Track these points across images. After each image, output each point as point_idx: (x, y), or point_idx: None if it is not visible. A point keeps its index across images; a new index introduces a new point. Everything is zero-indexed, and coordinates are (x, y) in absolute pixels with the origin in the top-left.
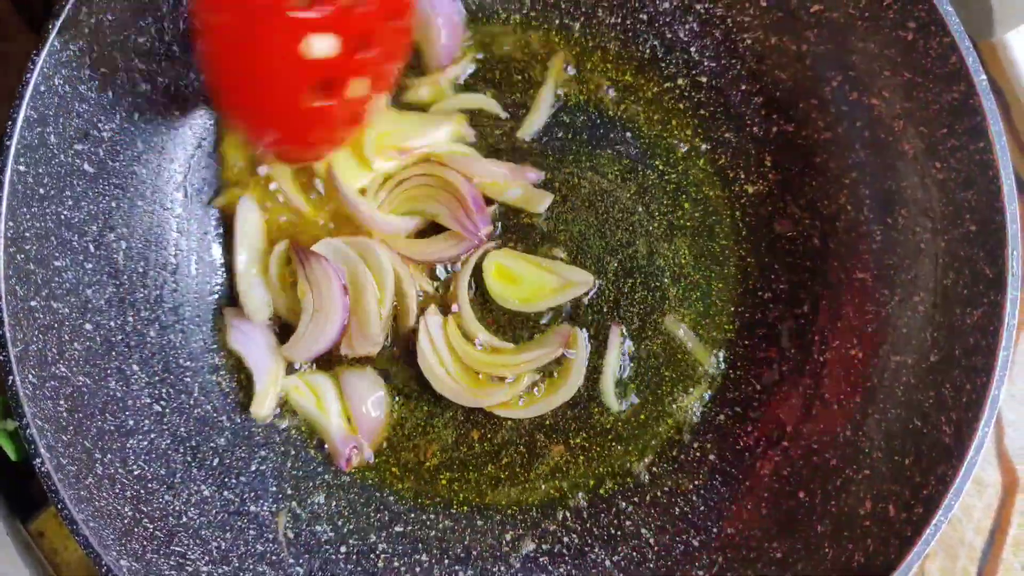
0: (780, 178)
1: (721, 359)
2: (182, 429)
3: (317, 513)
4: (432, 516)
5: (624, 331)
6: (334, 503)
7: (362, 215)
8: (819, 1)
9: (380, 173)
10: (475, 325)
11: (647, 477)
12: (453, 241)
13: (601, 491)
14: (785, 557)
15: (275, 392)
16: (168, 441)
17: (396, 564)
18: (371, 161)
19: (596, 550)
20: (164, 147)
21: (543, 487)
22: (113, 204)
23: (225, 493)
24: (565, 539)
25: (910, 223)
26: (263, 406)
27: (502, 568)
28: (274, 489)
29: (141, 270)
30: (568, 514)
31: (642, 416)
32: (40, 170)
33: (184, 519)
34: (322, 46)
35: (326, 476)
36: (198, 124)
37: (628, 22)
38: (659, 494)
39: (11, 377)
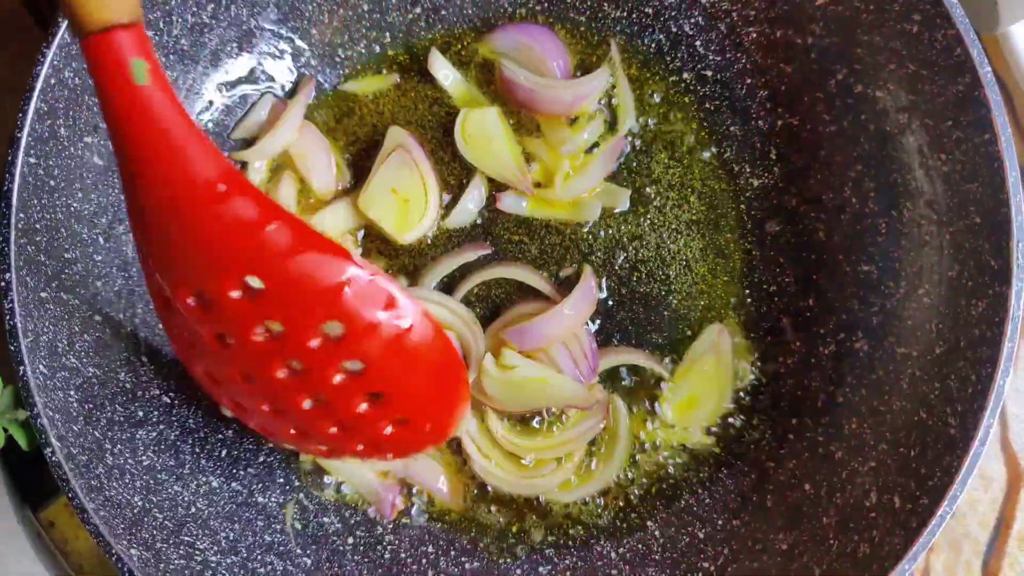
0: (785, 171)
1: None
2: (191, 421)
3: (324, 504)
4: (438, 509)
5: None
6: (342, 495)
7: None
8: None
9: None
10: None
11: (653, 470)
12: None
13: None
14: (791, 549)
15: None
16: (177, 432)
17: (403, 555)
18: None
19: (602, 542)
20: None
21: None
22: (122, 197)
23: (233, 484)
24: (571, 531)
25: (915, 215)
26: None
27: (508, 560)
28: (282, 480)
29: None
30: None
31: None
32: (51, 162)
33: (193, 509)
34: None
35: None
36: (205, 120)
37: (634, 16)
38: (664, 487)
39: (22, 368)
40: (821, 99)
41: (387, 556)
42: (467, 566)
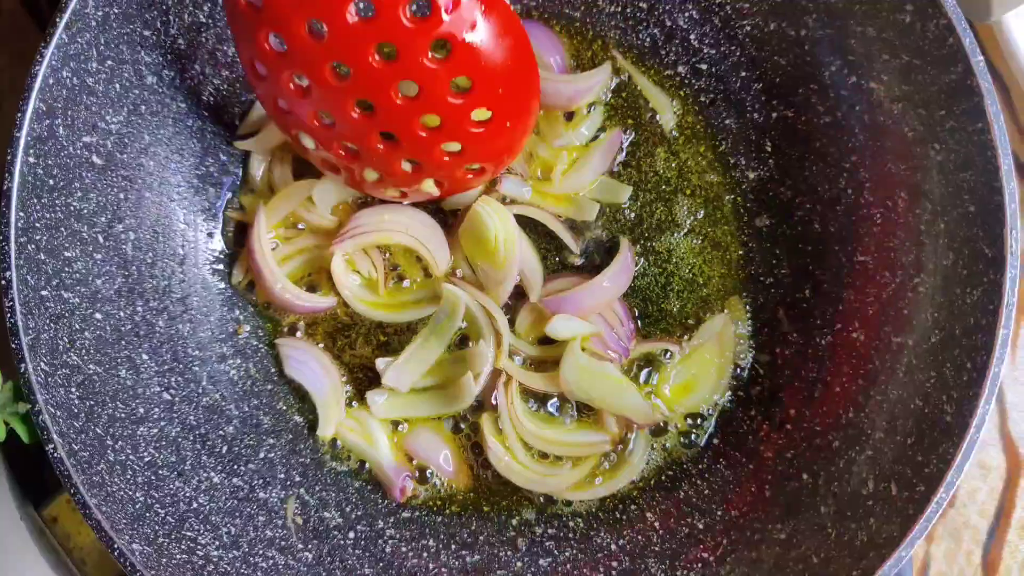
0: (780, 163)
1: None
2: (191, 417)
3: (325, 500)
4: (439, 502)
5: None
6: (342, 490)
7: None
8: None
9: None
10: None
11: (652, 461)
12: None
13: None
14: (789, 538)
15: (339, 413)
16: (178, 429)
17: (404, 549)
18: None
19: (602, 534)
20: (171, 139)
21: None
22: (121, 196)
23: (234, 480)
24: (571, 523)
25: (910, 205)
26: (328, 428)
27: (509, 552)
28: (283, 476)
29: (149, 261)
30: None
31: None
32: (50, 162)
33: (194, 505)
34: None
35: (334, 463)
36: (204, 117)
37: (628, 11)
38: (663, 478)
39: (23, 365)
40: (815, 91)
41: (388, 550)
42: (468, 559)
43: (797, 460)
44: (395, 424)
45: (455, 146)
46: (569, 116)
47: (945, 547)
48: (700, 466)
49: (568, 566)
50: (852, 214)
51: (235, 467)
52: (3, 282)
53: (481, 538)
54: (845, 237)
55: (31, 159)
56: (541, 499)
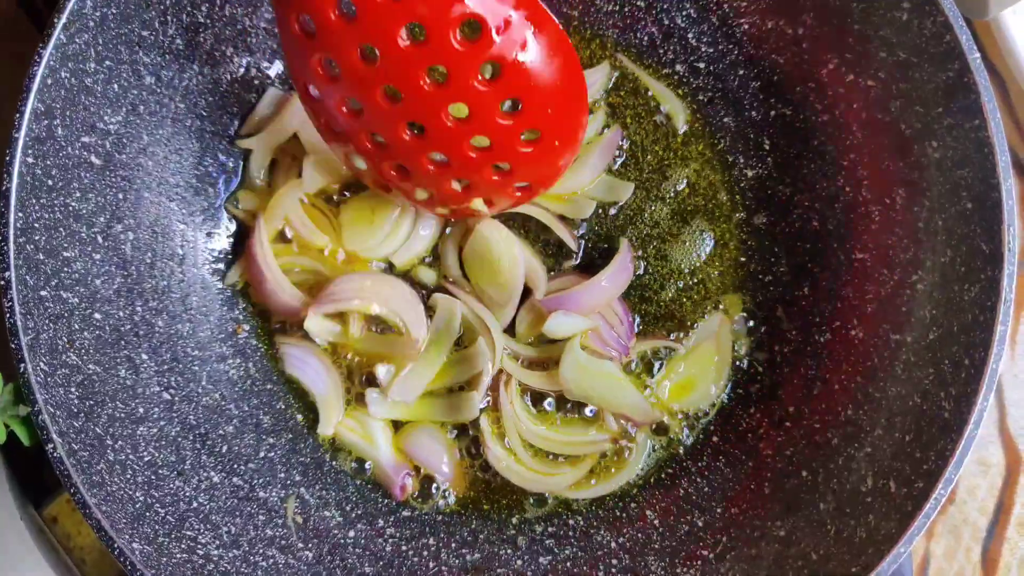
0: (779, 161)
1: None
2: (191, 417)
3: (325, 499)
4: (439, 502)
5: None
6: (342, 489)
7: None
8: None
9: None
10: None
11: (651, 459)
12: None
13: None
14: (789, 535)
15: (339, 411)
16: (178, 428)
17: (404, 548)
18: None
19: (602, 532)
20: (169, 140)
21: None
22: (120, 196)
23: (234, 479)
24: (571, 521)
25: (908, 202)
26: (329, 427)
27: (509, 550)
28: (283, 475)
29: (148, 261)
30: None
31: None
32: (48, 162)
33: (195, 504)
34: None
35: (334, 462)
36: (203, 117)
37: (626, 9)
38: (663, 475)
39: (23, 365)
40: (813, 89)
41: (388, 549)
42: (468, 557)
43: (796, 457)
44: (395, 422)
45: (505, 166)
46: None
47: (945, 544)
48: (699, 464)
49: (568, 564)
50: (850, 211)
51: (235, 466)
52: (2, 282)
53: (481, 536)
54: (843, 234)
55: (30, 159)
56: (541, 498)
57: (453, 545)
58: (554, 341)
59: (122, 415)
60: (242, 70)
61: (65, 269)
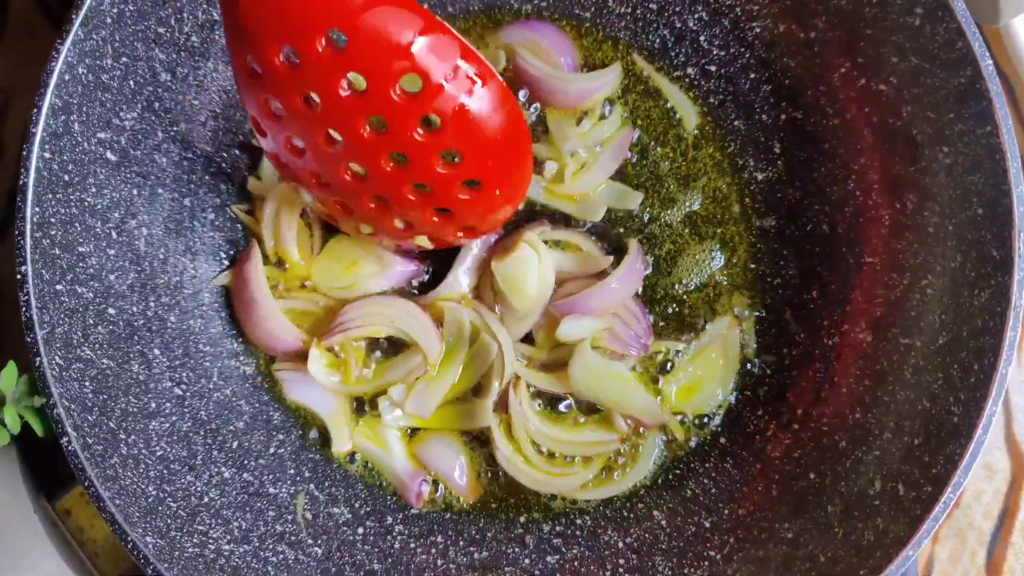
0: (789, 165)
1: None
2: (202, 412)
3: (335, 495)
4: (447, 499)
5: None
6: (351, 486)
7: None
8: None
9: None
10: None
11: (659, 460)
12: None
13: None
14: (796, 537)
15: (349, 427)
16: (189, 424)
17: (412, 546)
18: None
19: (609, 532)
20: (184, 136)
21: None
22: (135, 192)
23: (245, 475)
24: (578, 521)
25: (918, 207)
26: (343, 444)
27: (516, 549)
28: (292, 472)
29: (162, 256)
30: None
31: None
32: (64, 157)
33: (206, 499)
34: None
35: (343, 460)
36: (216, 113)
37: (638, 12)
38: (670, 476)
39: (38, 359)
40: (824, 93)
41: (397, 546)
42: (476, 555)
43: (804, 460)
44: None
45: (445, 210)
46: (579, 121)
47: (950, 547)
48: (707, 465)
49: (575, 563)
50: (860, 216)
51: (245, 462)
52: (19, 276)
53: (489, 535)
54: (853, 239)
55: (47, 155)
56: (549, 497)
57: (461, 543)
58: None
59: (135, 410)
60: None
61: (80, 264)
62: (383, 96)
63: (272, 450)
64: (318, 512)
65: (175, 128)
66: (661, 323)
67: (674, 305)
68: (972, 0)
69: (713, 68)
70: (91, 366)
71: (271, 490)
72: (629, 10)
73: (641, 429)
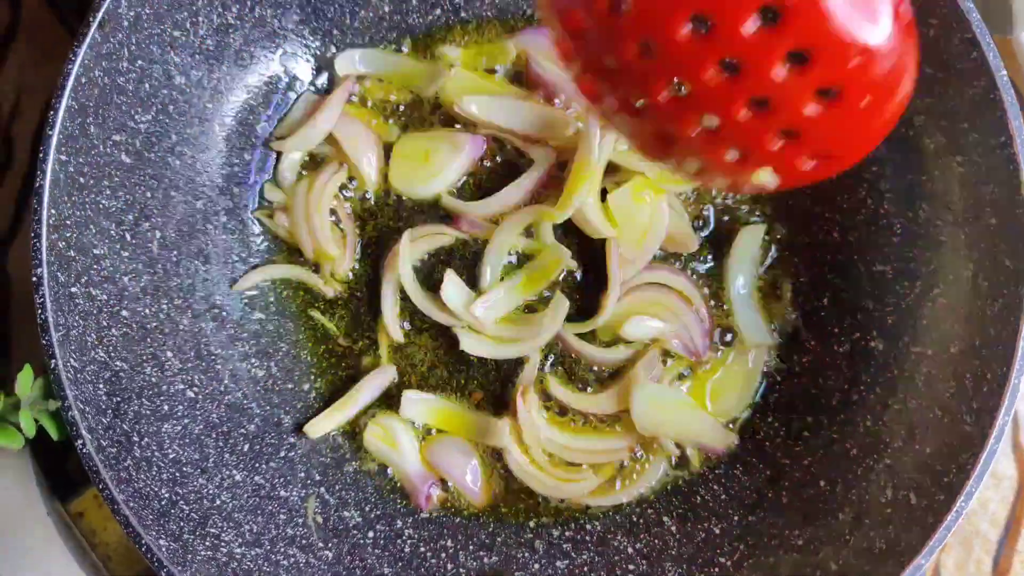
0: None
1: None
2: (214, 415)
3: (345, 499)
4: (458, 504)
5: None
6: (362, 489)
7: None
8: None
9: None
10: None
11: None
12: None
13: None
14: (807, 544)
15: (337, 423)
16: (201, 427)
17: (422, 549)
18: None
19: (619, 537)
20: (197, 139)
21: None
22: (148, 194)
23: (256, 478)
24: (588, 526)
25: (931, 216)
26: (317, 430)
27: (526, 554)
28: (303, 475)
29: (175, 259)
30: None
31: None
32: (80, 160)
33: (218, 502)
34: None
35: (354, 463)
36: (231, 117)
37: None
38: (680, 483)
39: (53, 361)
40: None
41: (407, 550)
42: (486, 560)
43: (815, 467)
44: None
45: (792, 133)
46: None
47: (956, 555)
48: (717, 471)
49: (585, 568)
50: (872, 224)
51: (257, 465)
52: (34, 279)
53: (499, 540)
54: (865, 246)
55: (63, 157)
56: (559, 502)
57: (471, 548)
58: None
59: (148, 412)
60: (270, 71)
61: (95, 266)
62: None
63: (283, 453)
64: (329, 515)
65: (189, 131)
66: None
67: None
68: (985, 10)
69: None
70: (105, 368)
71: (282, 493)
72: None
73: (651, 444)
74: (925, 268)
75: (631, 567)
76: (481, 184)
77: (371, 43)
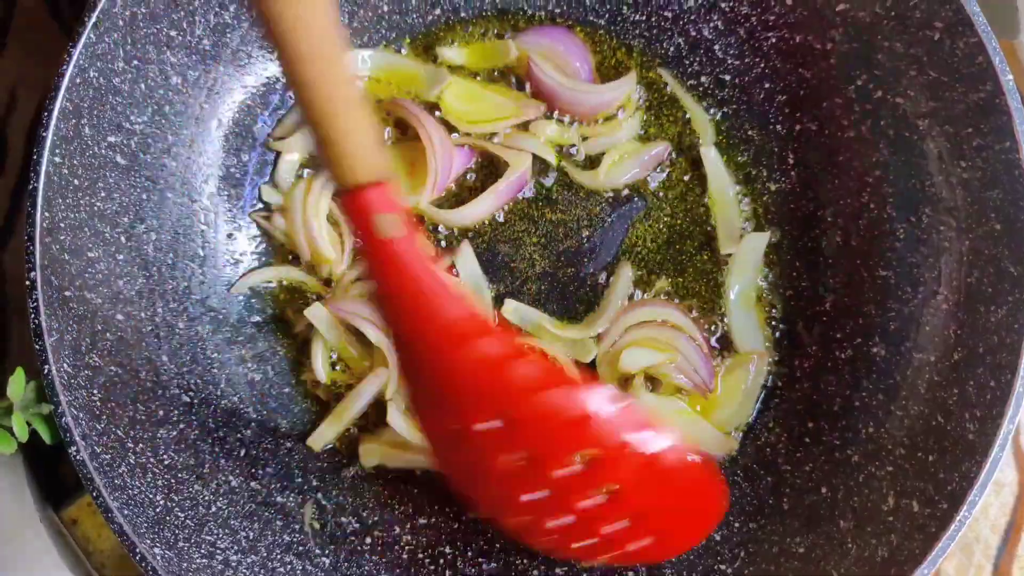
0: (803, 176)
1: None
2: (210, 420)
3: (342, 505)
4: (456, 509)
5: None
6: (359, 495)
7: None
8: (845, 0)
9: None
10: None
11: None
12: None
13: None
14: (808, 552)
15: (338, 432)
16: (197, 432)
17: (420, 556)
18: None
19: None
20: (193, 140)
21: None
22: (144, 196)
23: (252, 484)
24: None
25: (934, 222)
26: (320, 441)
27: (525, 561)
28: (300, 480)
29: (170, 262)
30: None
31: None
32: (75, 161)
33: (213, 508)
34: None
35: (351, 468)
36: (227, 119)
37: (653, 20)
38: None
39: (47, 366)
40: (840, 104)
41: (405, 556)
42: (484, 566)
43: (816, 473)
44: None
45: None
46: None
47: (956, 561)
48: None
49: (584, 575)
50: (874, 229)
51: (253, 471)
52: (28, 283)
53: (498, 546)
54: (867, 251)
55: (57, 159)
56: None
57: (469, 554)
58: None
59: (142, 417)
60: (267, 72)
61: (89, 269)
62: (551, 466)
63: (279, 458)
64: (326, 521)
65: (185, 132)
66: None
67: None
68: (990, 13)
69: (727, 77)
70: (99, 373)
71: (279, 499)
72: (644, 18)
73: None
74: (928, 274)
75: (630, 573)
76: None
77: (370, 43)
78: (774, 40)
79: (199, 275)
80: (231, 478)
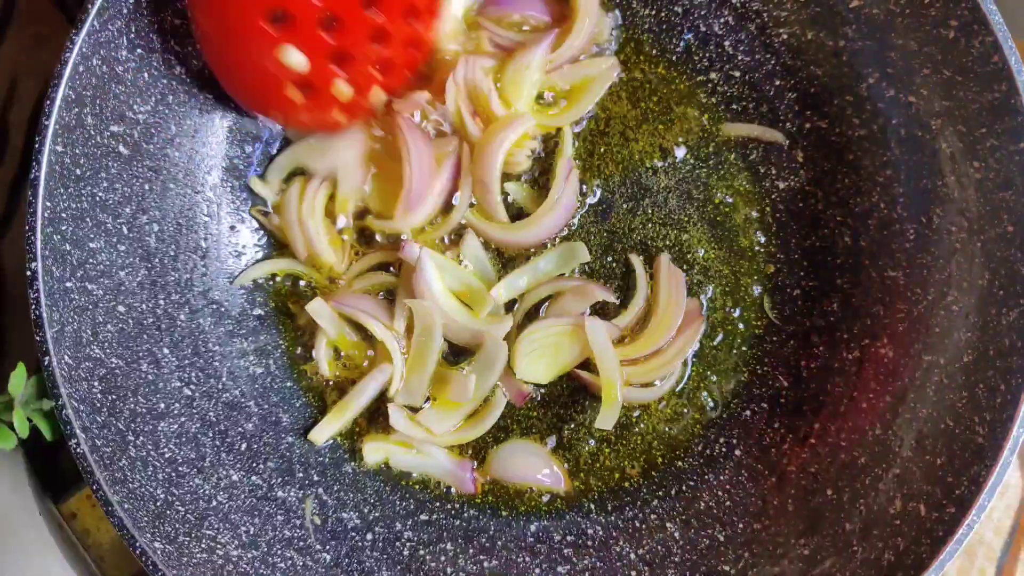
0: (812, 174)
1: (749, 355)
2: (211, 413)
3: (343, 500)
4: (457, 505)
5: None
6: (360, 491)
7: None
8: None
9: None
10: None
11: (673, 471)
12: None
13: (626, 484)
14: (813, 554)
15: (339, 427)
16: (198, 425)
17: (421, 552)
18: None
19: (621, 543)
20: (196, 131)
21: (569, 480)
22: (146, 187)
23: (253, 478)
24: (590, 531)
25: (945, 222)
26: (321, 436)
27: (527, 558)
28: (301, 475)
29: (172, 253)
30: (593, 506)
31: (668, 411)
32: (77, 151)
33: (214, 503)
34: (294, 59)
35: (352, 463)
36: (230, 108)
37: (663, 14)
38: (684, 488)
39: (47, 358)
40: (851, 103)
41: (406, 553)
42: (486, 564)
43: (821, 475)
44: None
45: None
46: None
47: (959, 564)
48: (721, 477)
49: (586, 574)
50: (884, 228)
51: (254, 465)
52: (28, 273)
53: (499, 543)
54: (876, 251)
55: (59, 148)
56: (560, 505)
57: (471, 551)
58: None
59: (143, 410)
60: None
61: (91, 260)
62: None
63: (281, 453)
64: (327, 517)
65: (189, 122)
66: None
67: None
68: (1004, 12)
69: (737, 73)
70: (100, 365)
71: (280, 494)
72: (653, 12)
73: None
74: (938, 275)
75: (633, 573)
76: None
77: None
78: (785, 36)
79: (202, 267)
80: (232, 472)
